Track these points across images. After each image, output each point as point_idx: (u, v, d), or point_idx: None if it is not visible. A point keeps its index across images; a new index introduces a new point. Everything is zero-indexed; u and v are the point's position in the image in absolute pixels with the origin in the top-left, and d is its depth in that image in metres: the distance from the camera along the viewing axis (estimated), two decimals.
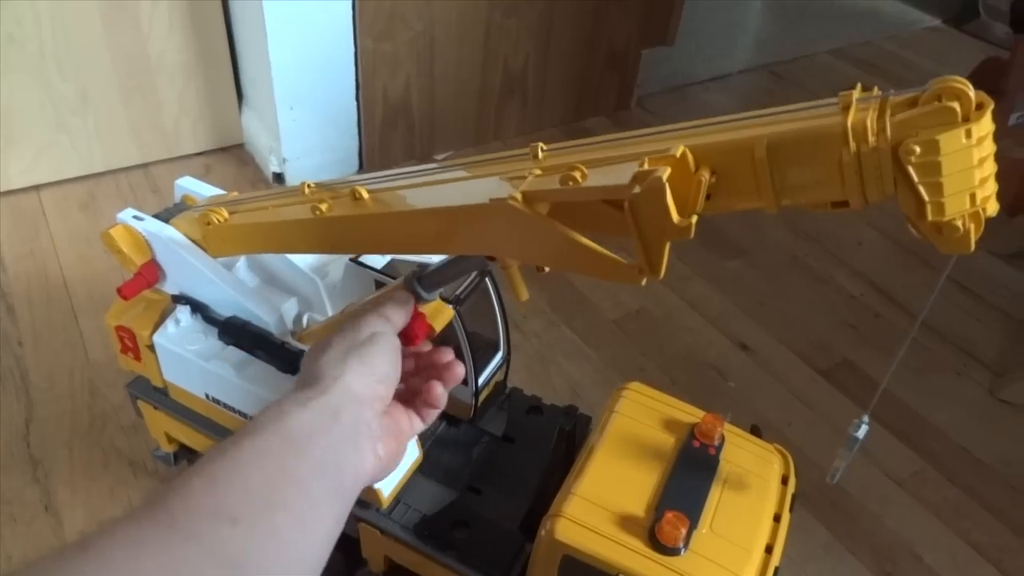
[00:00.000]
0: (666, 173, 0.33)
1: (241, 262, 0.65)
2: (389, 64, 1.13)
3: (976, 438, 0.89)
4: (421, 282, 0.49)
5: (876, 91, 0.31)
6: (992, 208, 0.30)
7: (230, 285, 0.59)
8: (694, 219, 0.33)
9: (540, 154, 0.40)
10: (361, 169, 1.22)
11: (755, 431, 0.57)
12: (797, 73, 1.65)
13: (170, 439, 0.69)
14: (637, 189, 0.33)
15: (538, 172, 0.39)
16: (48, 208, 1.12)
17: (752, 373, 0.96)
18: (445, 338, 0.61)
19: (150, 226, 0.59)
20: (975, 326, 1.05)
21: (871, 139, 0.29)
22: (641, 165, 0.34)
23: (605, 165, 0.36)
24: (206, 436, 0.64)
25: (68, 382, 0.87)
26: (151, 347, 0.61)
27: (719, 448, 0.53)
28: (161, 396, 0.65)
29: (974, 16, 1.91)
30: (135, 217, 0.60)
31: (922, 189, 0.29)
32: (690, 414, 0.56)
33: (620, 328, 1.01)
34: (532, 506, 0.57)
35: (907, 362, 0.98)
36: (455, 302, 0.57)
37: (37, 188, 1.15)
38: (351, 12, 1.06)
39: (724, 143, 0.33)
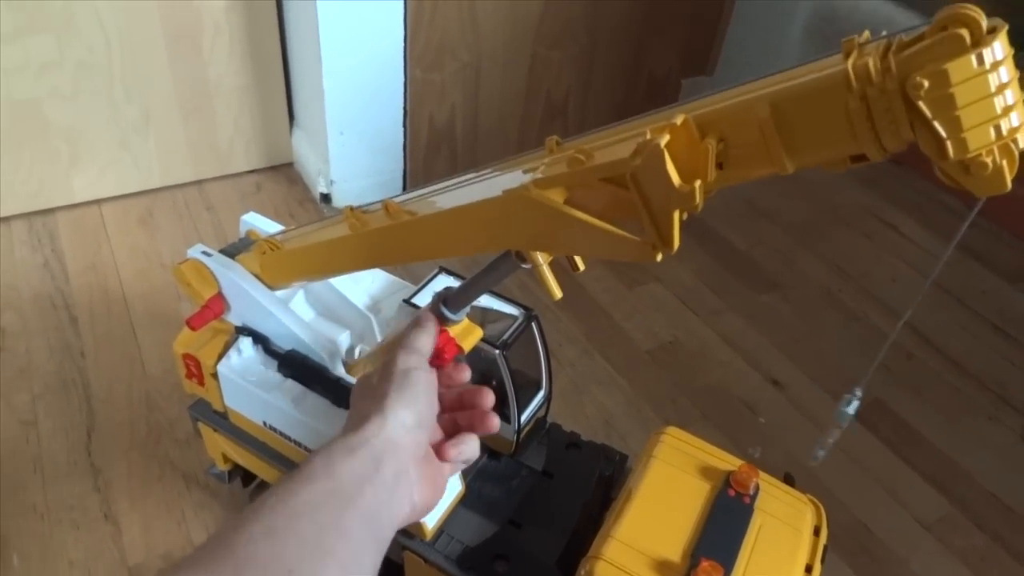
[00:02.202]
0: (664, 139, 0.32)
1: (300, 295, 0.69)
2: (436, 93, 1.17)
3: (1006, 484, 0.90)
4: (447, 304, 0.51)
5: (884, 33, 0.29)
6: None
7: (289, 321, 0.63)
8: (697, 183, 0.32)
9: (555, 147, 0.41)
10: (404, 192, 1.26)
11: (788, 480, 0.59)
12: None
13: (225, 459, 0.73)
14: (638, 161, 0.33)
15: (548, 162, 0.40)
16: (109, 222, 1.18)
17: (783, 410, 0.97)
18: (490, 377, 0.64)
19: (217, 262, 0.63)
20: (1009, 370, 1.05)
21: (876, 80, 0.27)
22: (643, 138, 0.34)
23: (612, 145, 0.37)
24: (261, 460, 0.68)
25: (127, 394, 0.92)
26: (214, 375, 0.65)
27: (754, 497, 0.55)
28: (220, 420, 0.69)
29: (1019, 50, 1.90)
30: (204, 253, 0.64)
31: (938, 126, 0.27)
32: (726, 462, 0.58)
33: (653, 359, 1.03)
34: (569, 542, 0.60)
35: (939, 405, 0.99)
36: (502, 347, 0.60)
37: (99, 202, 1.21)
38: (403, 44, 1.10)
39: (727, 108, 0.32)
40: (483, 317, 0.63)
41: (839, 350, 1.06)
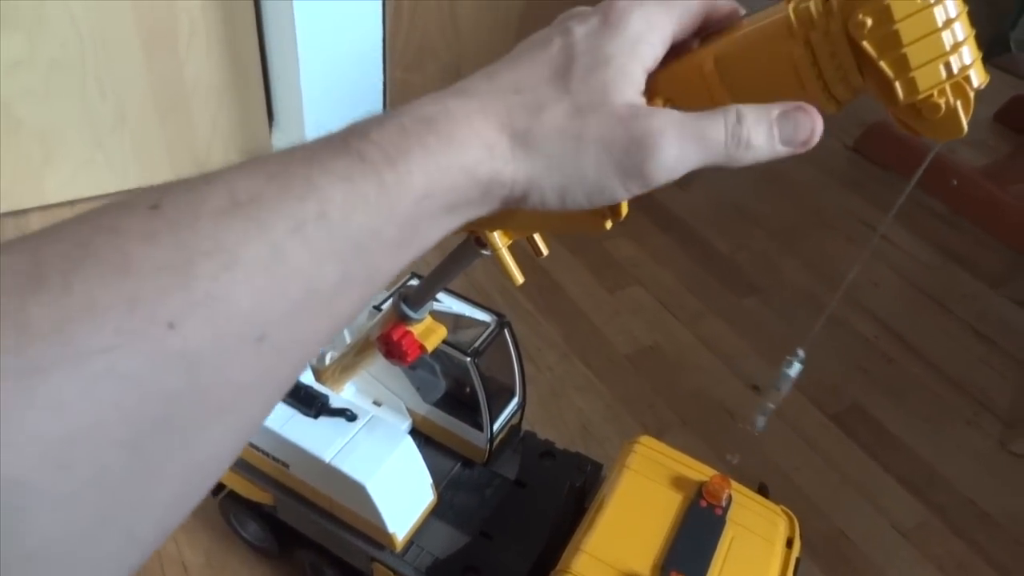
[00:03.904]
0: None
1: None
2: (417, 94, 1.15)
3: (984, 490, 0.90)
4: (407, 301, 0.50)
5: None
6: (980, 76, 0.26)
7: None
8: None
9: None
10: None
11: (762, 491, 0.59)
12: None
13: None
14: None
15: None
16: None
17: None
18: (462, 384, 0.63)
19: None
20: (988, 374, 1.05)
21: (818, 22, 0.26)
22: None
23: None
24: (231, 471, 0.66)
25: None
26: None
27: (726, 509, 0.55)
28: None
29: (1004, 50, 1.90)
30: None
31: (885, 66, 0.26)
32: (699, 472, 0.57)
33: (632, 364, 1.02)
34: (540, 554, 0.59)
35: (918, 410, 0.99)
36: (473, 354, 0.59)
37: (72, 203, 1.19)
38: (382, 44, 1.08)
39: (669, 67, 0.31)
40: (455, 323, 0.62)
41: (818, 355, 1.06)
